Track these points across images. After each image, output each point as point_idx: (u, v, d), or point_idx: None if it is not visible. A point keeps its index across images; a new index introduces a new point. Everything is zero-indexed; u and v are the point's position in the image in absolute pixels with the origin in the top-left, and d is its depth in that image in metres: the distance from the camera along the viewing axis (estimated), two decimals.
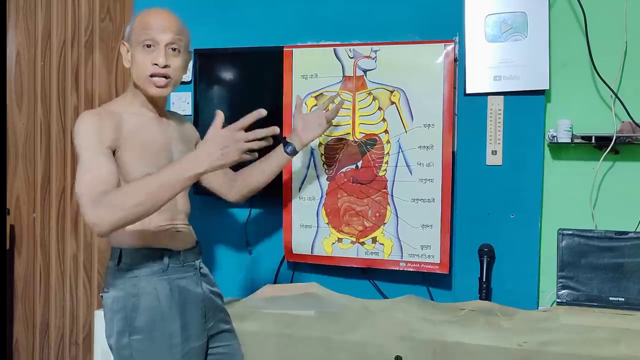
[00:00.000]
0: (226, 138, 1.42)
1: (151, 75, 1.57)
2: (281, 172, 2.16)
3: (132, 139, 1.56)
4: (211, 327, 1.67)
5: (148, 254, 1.56)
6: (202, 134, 2.27)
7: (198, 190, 1.98)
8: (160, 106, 1.67)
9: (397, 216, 2.08)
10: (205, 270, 1.71)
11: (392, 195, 2.08)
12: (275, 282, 2.26)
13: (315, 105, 2.13)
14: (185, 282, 1.60)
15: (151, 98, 1.62)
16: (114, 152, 1.52)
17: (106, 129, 1.51)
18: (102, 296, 1.59)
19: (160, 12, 1.61)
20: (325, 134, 2.13)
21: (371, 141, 2.10)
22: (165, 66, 1.57)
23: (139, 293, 1.54)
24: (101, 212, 1.37)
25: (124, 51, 1.63)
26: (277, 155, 1.89)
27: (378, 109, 2.09)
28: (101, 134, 1.49)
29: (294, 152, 1.90)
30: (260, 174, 1.90)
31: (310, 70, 2.14)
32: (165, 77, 1.58)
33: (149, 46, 1.57)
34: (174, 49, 1.59)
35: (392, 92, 2.07)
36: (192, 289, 1.62)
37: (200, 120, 2.25)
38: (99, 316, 2.18)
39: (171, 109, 2.30)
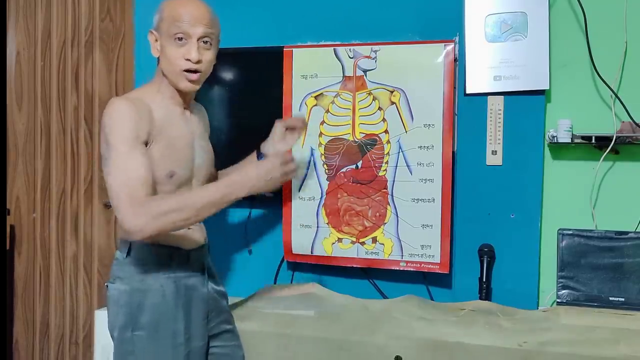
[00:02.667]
0: (276, 169, 1.50)
1: (185, 70, 1.54)
2: None
3: (160, 133, 1.53)
4: (213, 327, 1.67)
5: (157, 251, 1.55)
6: None
7: None
8: (188, 100, 1.64)
9: (397, 216, 2.08)
10: (212, 270, 1.70)
11: (392, 195, 2.08)
12: (275, 282, 2.26)
13: (316, 105, 2.13)
14: (191, 281, 1.60)
15: (180, 91, 1.59)
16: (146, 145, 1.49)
17: (143, 121, 1.48)
18: (107, 286, 1.58)
19: (191, 2, 1.55)
20: (325, 133, 2.13)
21: (371, 141, 2.10)
22: (198, 61, 1.54)
23: (146, 289, 1.53)
24: (143, 219, 1.39)
25: (152, 40, 1.58)
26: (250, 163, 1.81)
27: (378, 109, 2.09)
28: (138, 126, 1.46)
29: None
30: None
31: (310, 71, 2.14)
32: (197, 71, 1.55)
33: (180, 39, 1.52)
34: (205, 42, 1.55)
35: (392, 92, 2.07)
36: (198, 288, 1.61)
37: None
38: (99, 316, 2.18)
39: None
